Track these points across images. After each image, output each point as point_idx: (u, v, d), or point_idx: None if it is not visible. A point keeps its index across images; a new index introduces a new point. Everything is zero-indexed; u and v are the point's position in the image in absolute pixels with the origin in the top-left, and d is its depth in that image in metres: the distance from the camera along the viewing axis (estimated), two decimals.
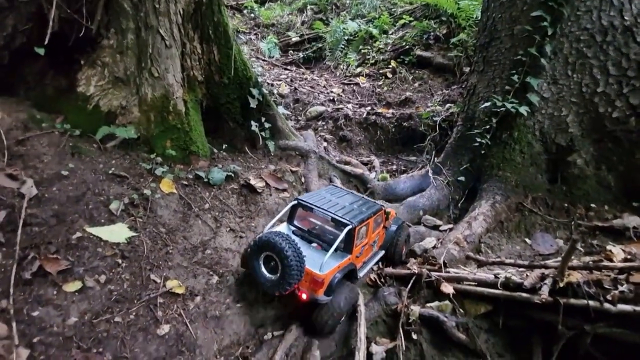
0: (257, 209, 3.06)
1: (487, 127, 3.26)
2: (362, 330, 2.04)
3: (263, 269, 1.92)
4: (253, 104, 3.80)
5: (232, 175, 3.21)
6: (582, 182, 3.00)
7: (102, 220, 2.22)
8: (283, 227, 2.36)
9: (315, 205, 2.20)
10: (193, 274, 2.24)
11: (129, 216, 2.33)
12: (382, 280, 2.49)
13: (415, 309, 2.20)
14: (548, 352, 2.01)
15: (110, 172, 2.55)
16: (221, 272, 2.32)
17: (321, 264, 1.92)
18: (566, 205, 3.01)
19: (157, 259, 2.21)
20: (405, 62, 6.53)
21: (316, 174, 3.99)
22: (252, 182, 3.23)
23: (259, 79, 6.52)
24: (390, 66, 6.61)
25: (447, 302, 2.23)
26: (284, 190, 3.44)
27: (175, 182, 2.85)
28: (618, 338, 1.85)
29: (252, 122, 3.82)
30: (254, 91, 3.82)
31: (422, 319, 2.17)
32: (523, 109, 3.08)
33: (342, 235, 2.02)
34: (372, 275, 2.47)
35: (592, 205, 2.94)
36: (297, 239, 2.18)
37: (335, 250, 2.04)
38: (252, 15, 9.82)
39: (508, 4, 3.31)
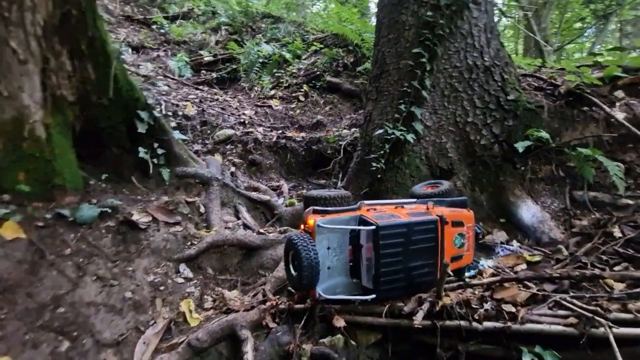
0: (138, 249, 2.68)
1: (382, 152, 3.43)
2: None
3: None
4: (142, 128, 3.41)
5: (109, 210, 2.77)
6: None
7: None
8: None
9: None
10: (33, 343, 1.79)
11: None
12: (277, 318, 2.34)
13: (307, 347, 2.09)
14: None
15: None
16: (75, 335, 1.91)
17: None
18: None
19: None
20: (317, 86, 6.74)
21: (218, 203, 3.72)
22: (135, 217, 2.84)
23: (164, 98, 6.07)
24: (302, 90, 6.74)
25: (339, 335, 2.17)
26: (177, 223, 3.10)
27: (26, 225, 2.34)
28: (487, 354, 1.99)
29: (141, 148, 3.42)
30: (143, 114, 3.44)
31: (313, 357, 2.07)
32: (410, 137, 3.32)
33: None
34: (267, 316, 2.30)
35: None
36: None
37: None
38: (162, 31, 9.23)
39: (394, 41, 3.61)
